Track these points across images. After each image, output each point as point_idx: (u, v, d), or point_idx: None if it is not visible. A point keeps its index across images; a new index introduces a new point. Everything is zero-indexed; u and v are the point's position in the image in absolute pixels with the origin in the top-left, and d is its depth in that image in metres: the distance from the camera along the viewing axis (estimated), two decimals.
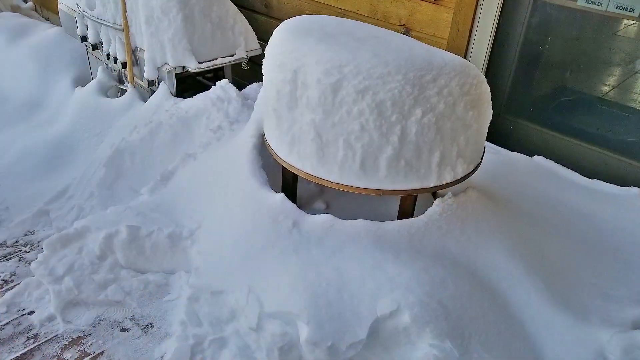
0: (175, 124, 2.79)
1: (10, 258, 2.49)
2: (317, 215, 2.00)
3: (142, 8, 2.95)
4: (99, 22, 3.30)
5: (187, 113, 2.81)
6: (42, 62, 4.19)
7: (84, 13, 3.36)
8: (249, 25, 3.20)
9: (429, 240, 1.98)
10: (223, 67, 3.18)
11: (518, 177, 2.66)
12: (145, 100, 3.21)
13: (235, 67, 3.25)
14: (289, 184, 2.20)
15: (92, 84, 3.50)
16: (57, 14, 5.00)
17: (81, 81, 3.90)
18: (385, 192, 1.92)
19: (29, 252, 2.48)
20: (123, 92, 3.45)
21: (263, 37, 3.25)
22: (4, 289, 2.13)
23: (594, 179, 2.59)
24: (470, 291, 1.85)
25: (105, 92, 3.49)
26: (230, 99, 2.80)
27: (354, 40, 1.86)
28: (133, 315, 1.95)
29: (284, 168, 2.16)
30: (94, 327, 1.89)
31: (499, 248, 2.02)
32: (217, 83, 2.90)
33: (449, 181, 1.96)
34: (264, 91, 2.07)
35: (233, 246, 2.01)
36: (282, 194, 2.05)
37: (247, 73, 3.29)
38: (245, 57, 3.19)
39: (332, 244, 1.91)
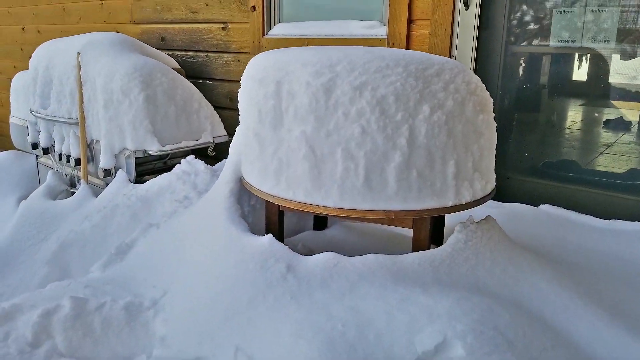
0: (134, 204, 2.42)
1: None
2: (315, 255, 1.60)
3: (100, 93, 2.78)
4: (52, 120, 3.08)
5: (148, 192, 2.47)
6: None
7: (37, 114, 3.15)
8: (215, 111, 3.06)
9: (458, 272, 1.59)
10: (186, 152, 2.94)
11: (530, 228, 2.38)
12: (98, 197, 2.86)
13: (199, 153, 3.02)
14: (274, 224, 1.81)
15: (39, 190, 3.13)
16: (3, 149, 4.80)
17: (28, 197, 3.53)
18: (397, 214, 1.58)
19: None
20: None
21: (228, 131, 3.11)
22: None
23: (611, 220, 2.35)
24: (529, 321, 1.42)
25: (54, 197, 3.12)
26: (198, 171, 2.50)
27: (337, 49, 1.69)
28: None
29: (268, 206, 1.80)
30: None
31: (545, 280, 1.65)
32: (182, 160, 2.63)
33: (468, 200, 1.66)
34: (243, 121, 1.81)
35: (211, 305, 1.54)
36: (269, 235, 1.67)
37: (212, 161, 3.05)
38: (212, 141, 2.99)
39: (339, 285, 1.49)
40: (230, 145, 2.00)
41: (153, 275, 1.81)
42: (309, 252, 1.92)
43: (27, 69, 4.66)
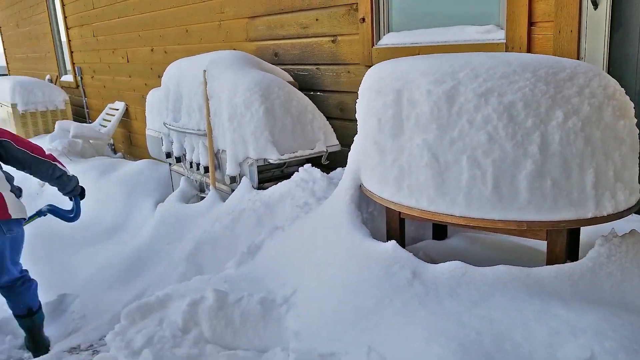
0: (259, 208, 2.62)
1: (87, 350, 2.19)
2: (442, 263, 1.64)
3: (225, 107, 3.04)
4: (183, 132, 3.42)
5: (270, 198, 2.66)
6: (128, 190, 4.35)
7: (170, 127, 3.52)
8: (327, 122, 3.21)
9: (601, 288, 1.53)
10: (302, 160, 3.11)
11: None
12: (225, 201, 3.13)
13: (313, 162, 3.18)
14: (395, 230, 1.88)
15: (174, 194, 3.50)
16: (138, 159, 5.38)
17: (162, 202, 3.95)
18: (530, 225, 1.56)
19: (100, 350, 2.18)
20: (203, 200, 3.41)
21: (340, 140, 3.23)
22: None
23: None
24: None
25: (186, 201, 3.46)
26: (315, 179, 2.65)
27: (457, 56, 1.72)
28: None
29: (388, 213, 1.87)
30: None
31: None
32: (300, 168, 2.79)
33: (610, 212, 1.58)
34: (361, 130, 1.90)
35: (338, 306, 1.64)
36: (393, 242, 1.74)
37: (326, 169, 3.19)
38: (325, 150, 3.13)
39: (469, 294, 1.51)
40: (349, 153, 2.10)
41: (281, 274, 1.96)
42: (431, 261, 1.95)
43: (157, 86, 5.19)
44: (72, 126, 6.03)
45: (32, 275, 2.82)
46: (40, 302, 2.82)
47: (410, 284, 1.59)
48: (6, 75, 12.35)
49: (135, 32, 5.54)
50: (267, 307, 1.78)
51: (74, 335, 2.73)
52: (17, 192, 2.67)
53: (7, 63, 12.29)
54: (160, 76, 5.23)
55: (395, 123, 1.70)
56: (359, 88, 1.91)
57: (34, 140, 7.00)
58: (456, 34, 2.59)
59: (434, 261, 1.96)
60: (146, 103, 4.05)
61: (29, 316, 2.74)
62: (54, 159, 2.71)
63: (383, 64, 1.84)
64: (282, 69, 3.61)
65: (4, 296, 2.72)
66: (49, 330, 2.91)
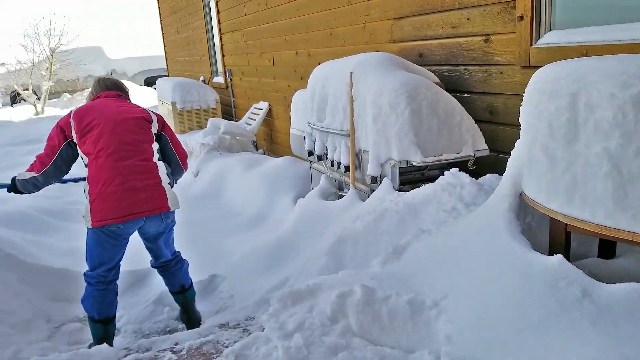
0: (402, 209, 2.61)
1: (236, 328, 2.38)
2: (617, 284, 1.48)
3: (370, 108, 3.09)
4: (326, 132, 3.55)
5: (414, 200, 2.64)
6: (269, 185, 4.64)
7: (314, 126, 3.67)
8: (476, 125, 3.09)
9: None
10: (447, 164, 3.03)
11: None
12: (364, 201, 3.17)
13: (457, 166, 3.07)
14: (559, 244, 1.74)
15: (314, 191, 3.65)
16: (278, 156, 5.68)
17: (301, 197, 4.13)
18: None
19: (248, 328, 2.35)
20: (342, 198, 3.50)
21: (488, 145, 3.08)
22: (222, 355, 1.97)
23: None
24: None
25: (325, 198, 3.59)
26: (463, 184, 2.56)
27: None
28: None
29: (553, 225, 1.74)
30: None
31: None
32: (446, 172, 2.73)
33: None
34: (526, 134, 1.80)
35: (496, 316, 1.57)
36: (560, 256, 1.61)
37: (472, 174, 3.07)
38: (473, 155, 3.02)
39: None
40: (509, 159, 2.00)
41: (430, 278, 1.93)
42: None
43: (299, 88, 5.45)
44: (222, 123, 6.60)
45: (184, 256, 3.14)
46: (191, 280, 3.11)
47: (580, 302, 1.47)
48: (166, 76, 13.96)
49: (282, 37, 5.87)
50: (416, 308, 1.77)
51: (222, 313, 2.98)
52: (173, 182, 2.94)
53: (167, 65, 13.87)
54: (303, 78, 5.50)
55: (570, 128, 1.58)
56: (525, 90, 1.81)
57: (188, 136, 7.80)
58: (637, 32, 2.32)
59: (600, 281, 1.79)
60: (292, 103, 4.27)
61: (182, 293, 3.03)
62: (186, 169, 3.04)
63: (554, 65, 1.72)
64: (427, 70, 3.56)
65: (161, 275, 3.05)
66: (201, 306, 3.21)
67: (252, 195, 4.70)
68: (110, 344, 2.77)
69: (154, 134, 2.78)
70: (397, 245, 2.22)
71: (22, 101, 16.55)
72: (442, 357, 1.52)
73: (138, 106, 2.89)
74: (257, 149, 6.99)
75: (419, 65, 3.59)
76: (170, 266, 2.99)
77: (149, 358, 2.04)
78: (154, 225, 2.72)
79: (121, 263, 2.79)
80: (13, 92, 17.24)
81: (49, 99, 16.05)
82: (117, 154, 2.56)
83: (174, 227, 2.96)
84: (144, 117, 2.76)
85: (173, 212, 2.81)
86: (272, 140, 6.77)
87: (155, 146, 2.76)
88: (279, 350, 1.69)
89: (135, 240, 3.18)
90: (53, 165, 2.69)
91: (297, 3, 5.39)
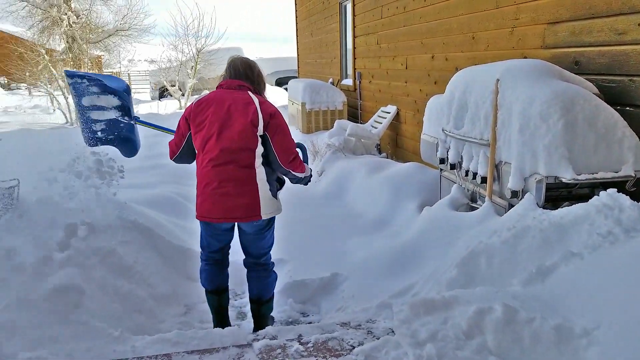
0: (547, 228, 2.41)
1: (358, 329, 2.39)
2: None
3: (516, 118, 2.90)
4: (463, 140, 3.41)
5: (562, 219, 2.42)
6: (394, 189, 4.60)
7: (450, 134, 3.55)
8: None
9: None
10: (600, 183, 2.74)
11: None
12: (501, 215, 3.00)
13: (613, 186, 2.76)
14: None
15: (444, 200, 3.54)
16: (405, 162, 5.59)
17: (427, 204, 4.04)
18: None
19: (372, 331, 2.34)
20: (474, 210, 3.34)
21: None
22: (351, 352, 1.98)
23: None
24: None
25: (456, 208, 3.46)
26: (623, 207, 2.29)
27: None
28: None
29: None
30: None
31: None
32: (602, 193, 2.46)
33: None
34: None
35: None
36: None
37: (631, 196, 2.74)
38: (633, 176, 2.69)
39: None
40: None
41: (579, 304, 1.76)
42: None
43: (432, 92, 5.34)
44: (349, 125, 6.71)
45: (305, 253, 3.15)
46: (273, 295, 2.94)
47: None
48: (296, 77, 14.58)
49: (418, 40, 5.79)
50: (564, 335, 1.62)
51: (343, 312, 3.02)
52: (277, 186, 2.81)
53: (298, 67, 14.48)
54: (437, 82, 5.37)
55: None
56: None
57: (315, 135, 8.05)
58: None
59: None
60: (426, 108, 4.19)
61: (257, 303, 2.90)
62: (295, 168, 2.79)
63: None
64: (584, 79, 3.26)
65: (246, 276, 2.95)
66: (323, 302, 3.28)
67: (375, 199, 4.71)
68: (225, 314, 2.93)
69: (259, 135, 2.65)
70: (542, 266, 2.05)
71: (169, 96, 18.38)
72: None
73: (251, 102, 2.68)
74: (380, 152, 6.99)
75: (575, 74, 3.30)
76: (254, 270, 2.90)
77: (278, 345, 2.12)
78: (246, 227, 2.79)
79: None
80: (162, 87, 19.24)
81: (192, 95, 17.64)
82: (218, 160, 2.60)
83: (269, 233, 2.87)
84: (252, 120, 2.62)
85: (267, 219, 2.76)
86: (396, 144, 6.72)
87: (260, 150, 2.65)
88: (410, 357, 1.65)
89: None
90: (180, 154, 2.82)
91: (437, 6, 5.27)
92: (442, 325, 1.75)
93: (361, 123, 7.82)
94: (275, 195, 2.79)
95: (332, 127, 8.03)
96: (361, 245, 3.86)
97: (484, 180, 3.20)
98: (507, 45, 4.16)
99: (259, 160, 2.67)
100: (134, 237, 3.45)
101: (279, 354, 2.05)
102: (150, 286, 3.26)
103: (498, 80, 3.14)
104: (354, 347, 2.06)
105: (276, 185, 2.84)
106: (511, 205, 2.98)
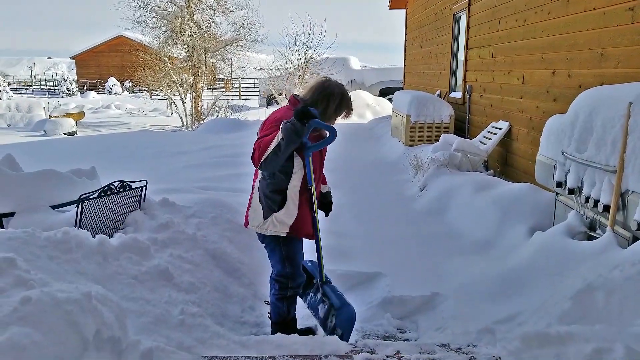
0: None
1: (458, 353, 2.35)
2: None
3: None
4: (585, 165, 3.20)
5: None
6: (502, 210, 4.42)
7: (570, 157, 3.35)
8: None
9: None
10: None
11: None
12: (623, 248, 2.76)
13: None
14: None
15: (560, 226, 3.34)
16: (515, 181, 5.34)
17: (538, 229, 3.83)
18: None
19: (475, 357, 2.28)
20: (591, 239, 3.12)
21: None
22: None
23: None
24: None
25: (572, 236, 3.24)
26: None
27: None
28: None
29: None
30: None
31: None
32: None
33: None
34: None
35: None
36: None
37: None
38: None
39: None
40: None
41: None
42: None
43: (550, 109, 5.05)
44: (456, 140, 6.55)
45: (407, 270, 3.04)
46: (279, 318, 2.84)
47: None
48: (401, 88, 14.51)
49: (538, 54, 5.51)
50: None
51: (443, 333, 2.96)
52: (266, 196, 2.62)
53: (404, 77, 14.40)
54: (556, 100, 5.07)
55: None
56: None
57: (418, 149, 7.97)
58: None
59: None
60: (545, 128, 3.97)
61: (270, 319, 2.90)
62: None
63: None
64: None
65: None
66: (421, 320, 3.24)
67: (480, 218, 4.55)
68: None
69: None
70: None
71: (276, 103, 19.23)
72: None
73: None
74: (487, 169, 6.74)
75: None
76: (270, 286, 2.88)
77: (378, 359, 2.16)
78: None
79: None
80: (270, 95, 20.18)
81: None
82: None
83: (272, 254, 2.79)
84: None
85: (264, 235, 2.72)
86: (506, 162, 6.43)
87: None
88: None
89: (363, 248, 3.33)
90: None
91: (562, 20, 4.99)
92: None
93: (468, 138, 7.60)
94: (266, 208, 2.65)
95: (436, 140, 7.89)
96: (463, 267, 3.76)
97: (606, 208, 2.98)
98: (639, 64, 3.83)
99: (259, 174, 2.70)
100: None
101: None
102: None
103: (631, 103, 2.91)
104: None
105: (273, 198, 2.64)
106: (636, 238, 2.74)
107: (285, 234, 2.67)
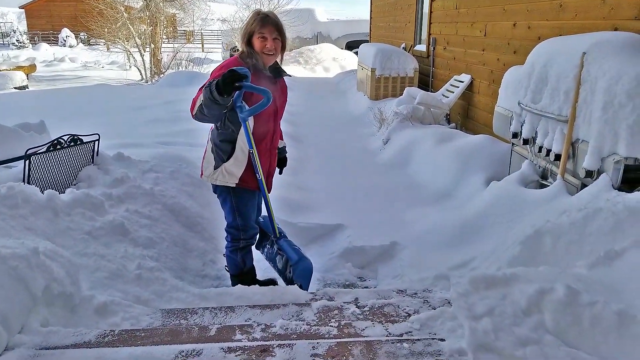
0: (620, 212, 2.30)
1: (414, 298, 2.43)
2: None
3: (600, 95, 2.73)
4: (539, 115, 3.26)
5: (638, 204, 2.29)
6: (461, 162, 4.50)
7: (526, 108, 3.40)
8: None
9: None
10: None
11: None
12: (572, 194, 2.87)
13: None
14: None
15: (514, 175, 3.43)
16: (475, 134, 5.42)
17: (495, 179, 3.92)
18: None
19: (428, 300, 2.36)
20: (543, 187, 3.22)
21: None
22: (407, 320, 2.03)
23: None
24: None
25: (525, 185, 3.34)
26: None
27: None
28: None
29: None
30: None
31: None
32: None
33: None
34: None
35: None
36: None
37: None
38: None
39: None
40: None
41: None
42: None
43: (510, 62, 5.08)
44: (419, 94, 6.56)
45: (368, 221, 3.06)
46: (236, 270, 2.85)
47: None
48: (367, 41, 14.30)
49: (500, 6, 5.49)
50: (625, 321, 1.58)
51: (401, 280, 3.05)
52: (215, 145, 2.57)
53: (370, 30, 14.18)
54: (516, 52, 5.10)
55: None
56: None
57: (383, 102, 7.96)
58: None
59: None
60: (503, 80, 4.01)
61: (228, 272, 2.92)
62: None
63: None
64: None
65: None
66: (380, 269, 3.32)
67: (440, 170, 4.63)
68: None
69: None
70: (610, 250, 1.97)
71: None
72: None
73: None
74: (449, 122, 6.81)
75: None
76: None
77: (335, 307, 2.20)
78: None
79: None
80: (233, 47, 19.57)
81: None
82: None
83: (224, 205, 2.76)
84: None
85: (215, 186, 2.70)
86: (467, 115, 6.51)
87: None
88: (466, 329, 1.67)
89: (326, 201, 3.34)
90: None
91: None
92: (500, 301, 1.75)
93: (432, 91, 7.62)
94: (217, 158, 2.62)
95: (401, 94, 7.89)
96: (422, 216, 3.85)
97: (557, 157, 3.07)
98: (598, 14, 3.86)
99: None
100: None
101: (336, 314, 2.14)
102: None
103: (584, 53, 2.95)
104: (409, 315, 2.10)
105: (222, 148, 2.60)
106: (584, 185, 2.85)
107: (234, 185, 2.64)
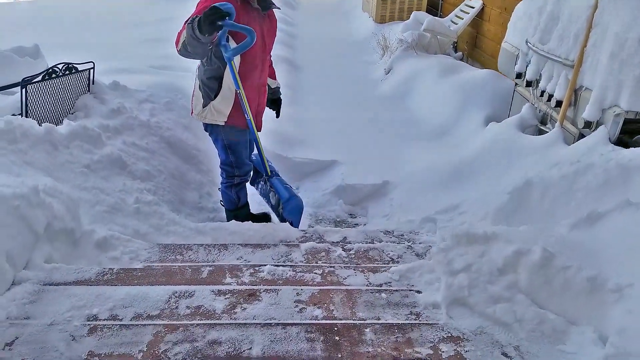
0: (612, 169, 2.31)
1: (400, 242, 2.53)
2: None
3: (610, 41, 2.63)
4: (546, 57, 3.16)
5: (630, 162, 2.30)
6: (463, 97, 4.43)
7: (533, 47, 3.29)
8: None
9: None
10: None
11: None
12: (569, 144, 2.86)
13: None
14: None
15: (513, 119, 3.39)
16: (482, 65, 5.26)
17: (494, 119, 3.89)
18: None
19: (412, 246, 2.45)
20: (542, 133, 3.20)
21: None
22: (391, 265, 2.12)
23: None
24: None
25: (523, 129, 3.32)
26: None
27: None
28: (518, 346, 1.59)
29: None
30: (475, 335, 1.62)
31: None
32: None
33: None
34: None
35: None
36: None
37: None
38: None
39: None
40: None
41: (620, 259, 1.75)
42: None
43: None
44: (426, 19, 6.27)
45: (362, 158, 3.06)
46: (231, 205, 2.91)
47: None
48: None
49: None
50: (595, 287, 1.65)
51: (389, 220, 3.14)
52: (202, 81, 2.52)
53: None
54: None
55: None
56: None
57: (387, 26, 7.62)
58: None
59: None
60: (514, 12, 3.82)
61: (223, 206, 2.99)
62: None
63: None
64: None
65: None
66: (371, 207, 3.40)
67: (441, 105, 4.57)
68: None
69: None
70: (594, 212, 2.01)
71: None
72: (608, 346, 1.44)
73: None
74: (456, 51, 6.59)
75: None
76: None
77: (322, 249, 2.30)
78: None
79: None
80: None
81: None
82: None
83: (216, 143, 2.76)
84: None
85: (205, 125, 2.68)
86: (475, 44, 6.28)
87: None
88: (442, 283, 1.76)
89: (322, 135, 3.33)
90: None
91: None
92: (478, 259, 1.82)
93: (441, 17, 7.29)
94: (205, 96, 2.57)
95: (408, 18, 7.55)
96: (416, 155, 3.85)
97: (559, 104, 3.02)
98: None
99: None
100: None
101: (322, 256, 2.23)
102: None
103: None
104: (392, 260, 2.20)
105: (209, 85, 2.54)
106: (582, 135, 2.83)
107: (223, 123, 2.62)
